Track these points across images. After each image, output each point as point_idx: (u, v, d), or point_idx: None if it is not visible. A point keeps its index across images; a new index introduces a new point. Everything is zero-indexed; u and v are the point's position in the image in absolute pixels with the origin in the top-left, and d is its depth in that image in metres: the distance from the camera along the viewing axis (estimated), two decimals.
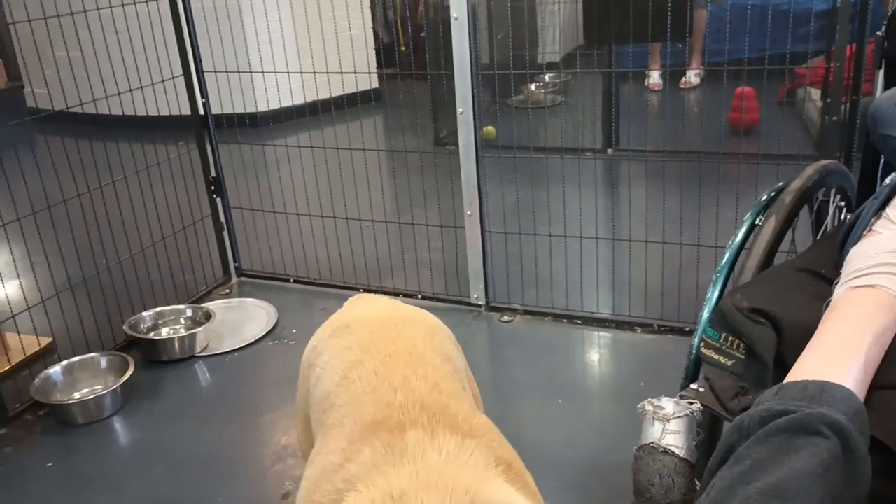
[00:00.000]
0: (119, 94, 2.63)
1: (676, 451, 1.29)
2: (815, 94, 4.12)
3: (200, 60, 2.85)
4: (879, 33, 1.55)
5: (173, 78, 2.83)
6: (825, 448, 0.98)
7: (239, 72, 2.87)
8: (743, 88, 4.01)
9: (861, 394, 1.10)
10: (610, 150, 4.18)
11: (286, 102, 3.74)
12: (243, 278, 3.16)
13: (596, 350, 2.54)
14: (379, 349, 1.19)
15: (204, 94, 2.88)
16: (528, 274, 2.79)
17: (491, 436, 1.03)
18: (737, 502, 0.96)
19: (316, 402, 1.21)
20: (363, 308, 1.40)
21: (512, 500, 0.90)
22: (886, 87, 1.57)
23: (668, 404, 1.32)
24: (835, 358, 1.14)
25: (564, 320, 2.66)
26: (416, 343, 1.22)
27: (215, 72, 2.90)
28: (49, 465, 2.13)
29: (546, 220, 2.84)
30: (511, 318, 2.70)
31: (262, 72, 3.08)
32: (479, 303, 2.77)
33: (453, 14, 2.41)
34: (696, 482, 1.28)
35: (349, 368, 1.17)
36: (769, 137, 3.47)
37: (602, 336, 2.58)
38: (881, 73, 1.57)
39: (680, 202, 2.54)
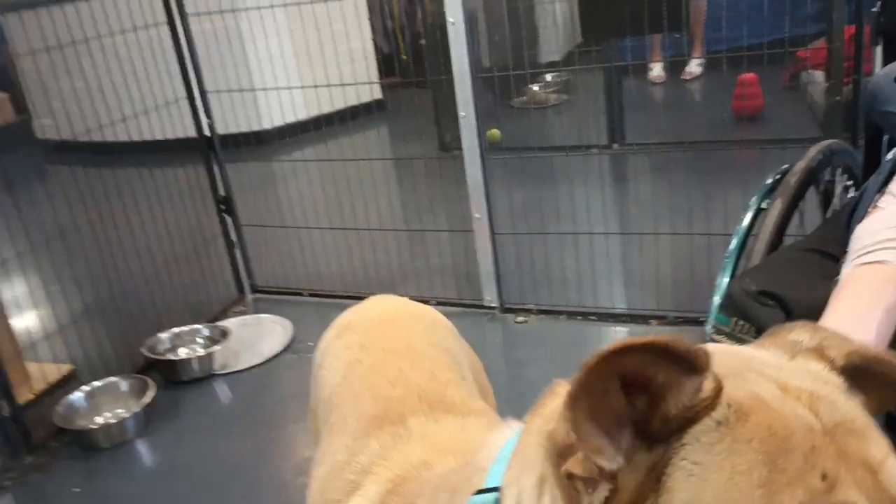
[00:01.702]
0: (124, 119, 2.66)
1: None
2: (819, 76, 4.09)
3: (202, 82, 2.87)
4: (875, 10, 1.55)
5: (177, 101, 2.86)
6: None
7: (241, 90, 2.90)
8: (745, 75, 4.00)
9: None
10: (616, 146, 4.17)
11: (291, 118, 3.77)
12: (258, 294, 3.18)
13: None
14: (376, 346, 1.21)
15: (208, 114, 2.91)
16: (539, 273, 2.79)
17: (490, 416, 1.05)
18: None
19: (322, 404, 1.23)
20: (369, 308, 1.41)
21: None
22: (886, 62, 1.57)
23: None
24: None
25: (579, 317, 2.66)
26: (414, 338, 1.23)
27: (217, 92, 2.93)
28: (76, 490, 2.15)
29: (555, 218, 2.85)
30: (525, 319, 2.70)
31: (264, 89, 3.10)
32: (493, 305, 2.77)
33: (450, 19, 2.42)
34: None
35: (348, 367, 1.19)
36: (775, 122, 3.45)
37: (618, 331, 2.58)
38: (879, 49, 1.56)
39: (686, 193, 2.54)
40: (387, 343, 1.21)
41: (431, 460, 0.86)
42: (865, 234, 1.28)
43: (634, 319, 2.59)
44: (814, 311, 1.21)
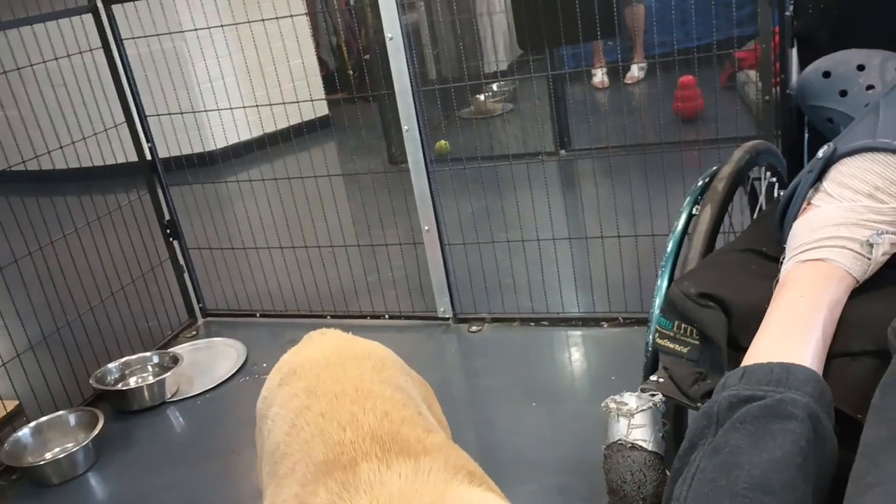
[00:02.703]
0: (61, 147, 2.60)
1: (644, 444, 1.30)
2: (754, 76, 4.20)
3: (142, 105, 2.84)
4: (788, 13, 1.59)
5: (115, 126, 2.81)
6: (801, 434, 0.98)
7: (182, 112, 2.86)
8: (684, 77, 4.09)
9: (820, 367, 1.12)
10: (563, 152, 4.23)
11: (237, 138, 3.73)
12: (209, 318, 3.14)
13: (565, 349, 2.56)
14: (325, 391, 1.17)
15: (149, 138, 2.87)
16: (491, 282, 2.80)
17: (447, 451, 1.02)
18: (726, 499, 0.96)
19: (268, 454, 1.19)
20: (311, 349, 1.37)
21: (480, 498, 0.90)
22: (801, 63, 1.61)
23: (631, 399, 1.32)
24: (792, 335, 1.15)
25: (532, 323, 2.68)
26: (363, 378, 1.20)
27: (158, 115, 2.89)
28: None
29: (505, 226, 2.87)
30: (479, 328, 2.71)
31: (206, 110, 3.07)
32: (447, 316, 2.77)
33: (387, 34, 2.42)
34: (668, 473, 1.29)
35: (296, 416, 1.15)
36: (714, 122, 3.53)
37: (570, 335, 2.60)
38: (794, 51, 1.61)
39: (631, 195, 2.58)
40: (335, 387, 1.17)
41: None
42: (803, 231, 1.31)
43: (586, 323, 2.62)
44: (754, 311, 1.23)
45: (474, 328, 2.72)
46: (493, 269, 2.79)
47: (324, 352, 1.32)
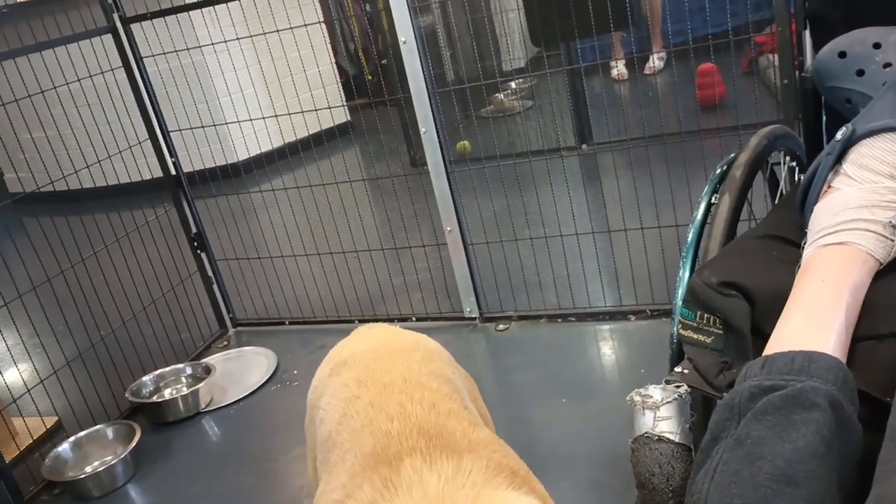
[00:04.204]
0: (88, 166, 2.66)
1: (671, 436, 1.29)
2: (775, 60, 4.14)
3: (164, 121, 2.88)
4: None
5: (139, 143, 2.86)
6: (824, 423, 0.97)
7: (203, 126, 2.90)
8: (704, 65, 4.05)
9: (844, 353, 1.10)
10: (584, 146, 4.21)
11: (259, 149, 3.78)
12: (240, 328, 3.18)
13: (593, 344, 2.55)
14: (375, 381, 1.20)
15: (173, 153, 2.91)
16: (516, 280, 2.80)
17: (492, 447, 1.03)
18: (750, 490, 0.96)
19: (320, 443, 1.22)
20: (360, 341, 1.40)
21: (513, 502, 0.91)
22: (815, 46, 1.59)
23: (656, 391, 1.32)
24: (815, 321, 1.13)
25: (559, 320, 2.67)
26: (411, 370, 1.22)
27: (180, 130, 2.93)
28: None
29: (528, 224, 2.87)
30: (506, 326, 2.72)
31: (227, 123, 3.11)
32: (473, 315, 2.78)
33: (401, 38, 2.44)
34: None
35: (347, 405, 1.18)
36: (737, 109, 3.49)
37: (597, 329, 2.59)
38: (807, 33, 1.59)
39: (654, 186, 2.56)
40: (385, 377, 1.20)
41: None
42: (824, 215, 1.29)
43: (613, 317, 2.61)
44: (777, 298, 1.21)
45: (501, 326, 2.72)
46: (518, 266, 2.79)
47: (373, 344, 1.35)
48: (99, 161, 2.70)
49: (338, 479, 1.03)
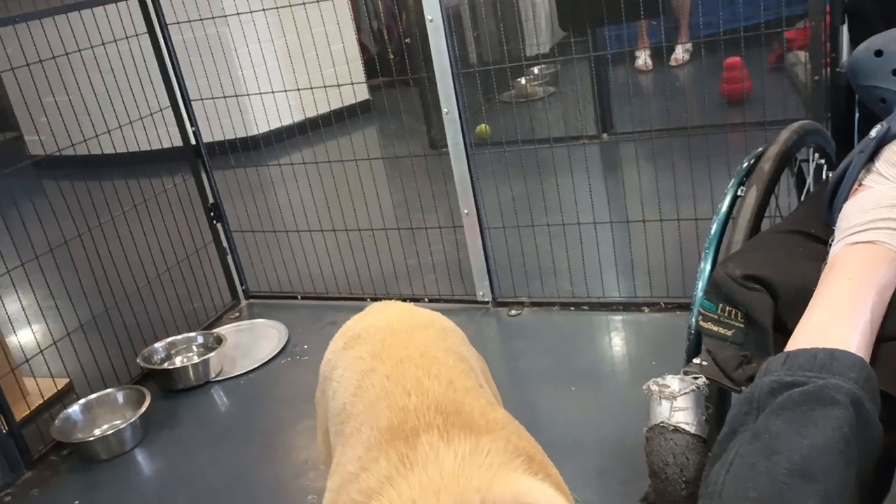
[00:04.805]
0: (109, 131, 2.65)
1: (687, 427, 1.28)
2: (803, 56, 4.09)
3: (186, 90, 2.87)
4: None
5: (161, 110, 2.85)
6: (844, 420, 0.96)
7: (224, 97, 2.89)
8: (731, 59, 4.01)
9: (868, 351, 1.09)
10: (605, 135, 4.18)
11: (279, 123, 3.77)
12: (252, 300, 3.19)
13: (605, 334, 2.54)
14: (390, 355, 1.19)
15: (193, 122, 2.91)
16: (531, 266, 2.79)
17: (510, 428, 1.02)
18: (766, 484, 0.95)
19: (334, 415, 1.22)
20: (375, 316, 1.40)
21: (527, 489, 0.90)
22: (852, 41, 1.56)
23: (674, 382, 1.31)
24: (840, 318, 1.12)
25: (572, 308, 2.66)
26: (427, 346, 1.22)
27: (202, 99, 2.93)
28: (76, 502, 2.16)
29: (545, 210, 2.85)
30: (519, 312, 2.71)
31: (248, 94, 3.10)
32: (486, 299, 2.77)
33: (428, 16, 2.42)
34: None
35: (362, 377, 1.17)
36: (762, 104, 3.46)
37: (610, 319, 2.58)
38: (845, 28, 1.56)
39: (675, 178, 2.54)
40: (401, 351, 1.19)
41: (421, 503, 0.83)
42: (854, 213, 1.27)
43: (627, 307, 2.60)
44: (802, 294, 1.20)
45: (514, 312, 2.71)
46: (534, 252, 2.78)
47: (388, 318, 1.34)
48: (120, 126, 2.70)
49: (353, 450, 1.03)
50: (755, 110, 3.75)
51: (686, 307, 2.47)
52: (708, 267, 1.44)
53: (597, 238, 2.66)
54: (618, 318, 2.58)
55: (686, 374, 1.32)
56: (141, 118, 2.78)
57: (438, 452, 0.91)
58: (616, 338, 2.51)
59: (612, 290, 2.68)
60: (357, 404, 1.13)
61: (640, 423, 1.32)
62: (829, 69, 1.84)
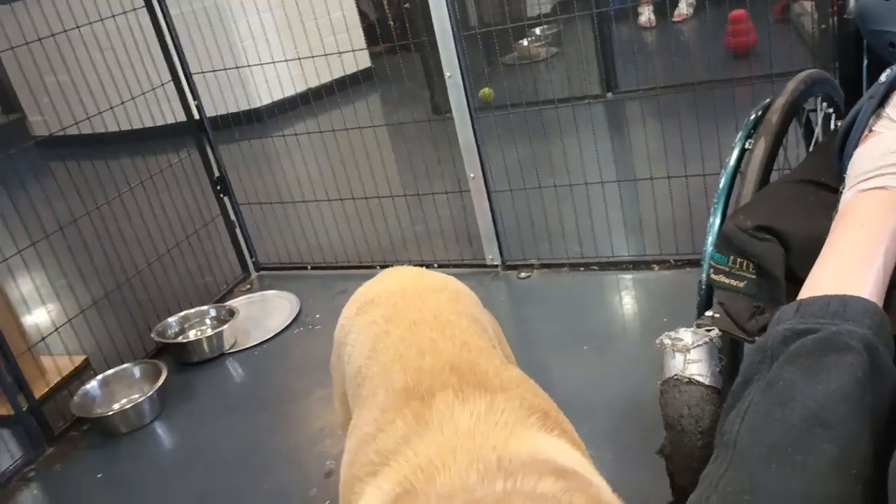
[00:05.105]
0: (112, 108, 2.65)
1: (701, 379, 1.29)
2: (809, 6, 4.03)
3: (187, 64, 2.85)
4: None
5: (162, 85, 2.84)
6: (858, 366, 0.96)
7: (226, 69, 2.87)
8: (736, 12, 3.95)
9: (881, 297, 1.09)
10: (609, 94, 4.14)
11: (281, 94, 3.75)
12: (262, 272, 3.20)
13: (616, 293, 2.54)
14: (403, 318, 1.20)
15: (195, 96, 2.89)
16: (539, 228, 2.79)
17: (524, 387, 1.03)
18: (781, 432, 0.95)
19: (350, 379, 1.23)
20: (387, 281, 1.40)
21: (542, 446, 0.91)
22: None
23: (687, 335, 1.31)
24: (852, 265, 1.11)
25: (581, 268, 2.66)
26: (440, 308, 1.22)
27: (203, 73, 2.91)
28: (99, 475, 2.19)
29: (552, 172, 2.84)
30: (528, 274, 2.71)
31: (248, 65, 3.08)
32: (495, 263, 2.77)
33: None
34: None
35: (376, 340, 1.18)
36: (768, 57, 3.41)
37: (620, 279, 2.58)
38: None
39: (682, 135, 2.52)
40: (414, 314, 1.20)
41: (438, 462, 0.83)
42: (864, 159, 1.26)
43: (637, 266, 2.59)
44: (813, 242, 1.19)
45: (523, 274, 2.71)
46: (541, 214, 2.77)
47: (400, 283, 1.35)
48: (123, 103, 2.69)
49: (370, 412, 1.04)
50: (761, 63, 3.70)
51: (696, 263, 2.48)
52: (718, 220, 1.43)
53: (604, 198, 2.65)
54: (628, 276, 2.58)
55: (699, 326, 1.32)
56: (143, 94, 2.77)
57: (454, 412, 0.92)
58: (626, 297, 2.51)
59: (622, 249, 2.67)
60: (372, 367, 1.14)
61: (653, 380, 1.32)
62: (836, 17, 1.81)
